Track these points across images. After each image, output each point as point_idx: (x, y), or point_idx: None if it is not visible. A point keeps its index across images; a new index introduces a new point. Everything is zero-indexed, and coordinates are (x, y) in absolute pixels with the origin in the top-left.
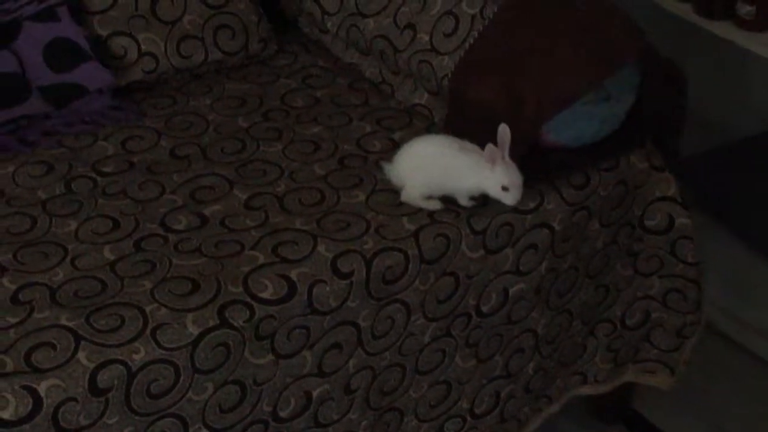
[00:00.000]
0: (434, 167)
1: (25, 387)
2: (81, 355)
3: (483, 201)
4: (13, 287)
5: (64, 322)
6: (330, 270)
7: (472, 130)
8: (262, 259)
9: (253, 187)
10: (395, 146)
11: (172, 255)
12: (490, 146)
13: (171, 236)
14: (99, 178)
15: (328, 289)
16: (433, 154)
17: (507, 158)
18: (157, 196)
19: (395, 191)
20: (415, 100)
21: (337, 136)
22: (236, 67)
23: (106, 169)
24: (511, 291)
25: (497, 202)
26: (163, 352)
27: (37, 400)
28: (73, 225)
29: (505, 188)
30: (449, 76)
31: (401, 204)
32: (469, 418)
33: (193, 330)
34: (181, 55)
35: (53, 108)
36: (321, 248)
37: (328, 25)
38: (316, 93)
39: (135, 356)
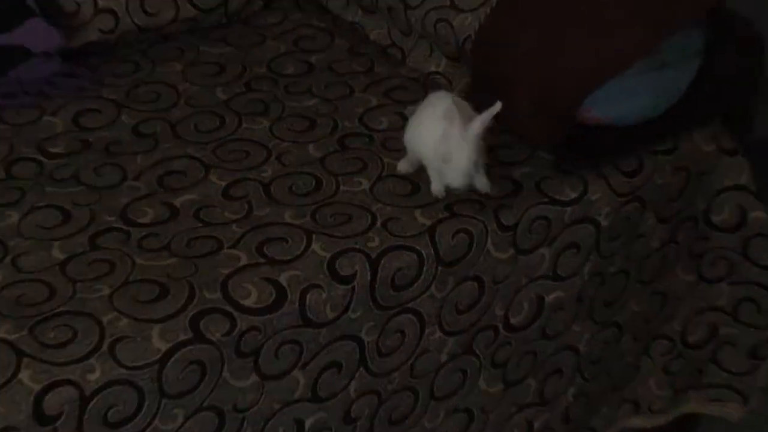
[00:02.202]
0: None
1: None
2: (24, 375)
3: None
4: None
5: (3, 335)
6: (327, 273)
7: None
8: (244, 260)
9: (233, 173)
10: (404, 120)
11: (135, 253)
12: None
13: (134, 231)
14: (46, 161)
15: (324, 295)
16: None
17: (470, 132)
18: (117, 182)
19: (406, 178)
20: (431, 67)
21: (336, 110)
22: (213, 26)
23: (55, 150)
24: (547, 300)
25: (529, 192)
26: (124, 371)
27: None
28: (15, 217)
29: (446, 160)
30: (472, 38)
31: (414, 193)
32: None
33: (161, 345)
34: (145, 11)
35: None
36: (316, 246)
37: None
38: (310, 58)
39: (89, 376)
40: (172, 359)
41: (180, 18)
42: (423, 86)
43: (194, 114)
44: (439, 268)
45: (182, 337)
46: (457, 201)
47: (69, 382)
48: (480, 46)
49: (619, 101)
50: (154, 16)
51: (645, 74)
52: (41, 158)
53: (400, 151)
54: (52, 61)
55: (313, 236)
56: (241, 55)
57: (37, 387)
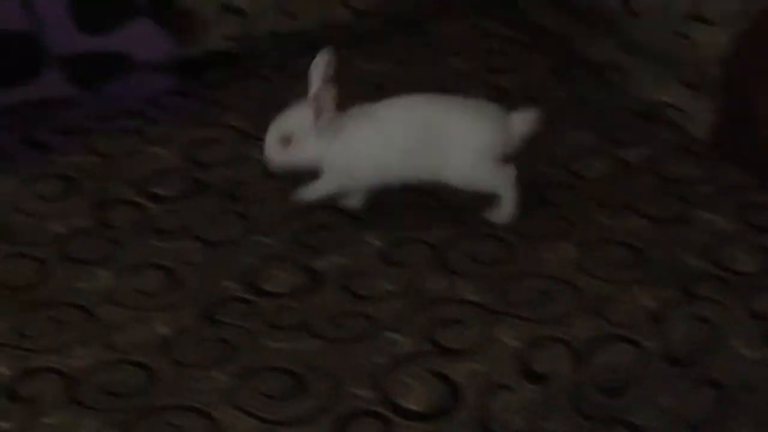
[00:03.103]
0: None
1: None
2: None
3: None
4: (9, 374)
5: None
6: (516, 368)
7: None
8: (407, 346)
9: (392, 230)
10: (625, 168)
11: (263, 332)
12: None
13: (261, 302)
14: (148, 205)
15: (512, 398)
16: None
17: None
18: (240, 236)
19: (622, 243)
20: (661, 97)
21: (532, 149)
22: (372, 34)
23: (161, 191)
24: None
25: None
26: None
27: None
28: (106, 278)
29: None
30: (722, 59)
31: (635, 264)
32: None
33: None
34: (284, 13)
35: (79, 89)
36: (501, 332)
37: None
38: (500, 79)
39: None
40: None
41: (327, 22)
42: (648, 121)
43: None
44: (667, 366)
45: None
46: (693, 278)
47: None
48: (735, 71)
49: None
50: (294, 18)
51: None
52: (142, 201)
53: (615, 207)
54: (161, 75)
55: (499, 318)
56: (409, 73)
57: None
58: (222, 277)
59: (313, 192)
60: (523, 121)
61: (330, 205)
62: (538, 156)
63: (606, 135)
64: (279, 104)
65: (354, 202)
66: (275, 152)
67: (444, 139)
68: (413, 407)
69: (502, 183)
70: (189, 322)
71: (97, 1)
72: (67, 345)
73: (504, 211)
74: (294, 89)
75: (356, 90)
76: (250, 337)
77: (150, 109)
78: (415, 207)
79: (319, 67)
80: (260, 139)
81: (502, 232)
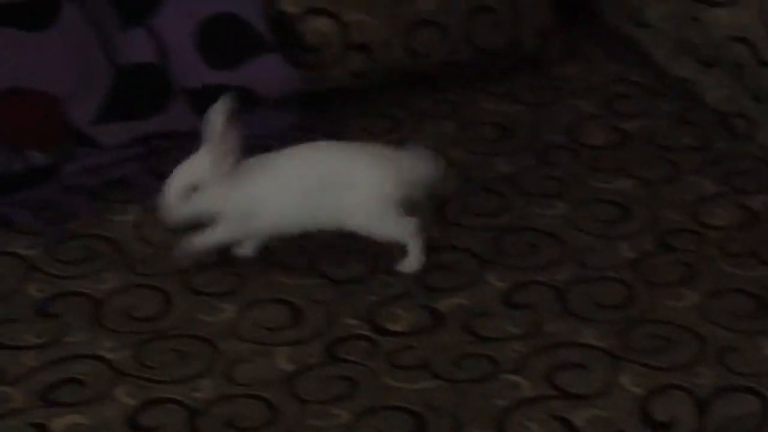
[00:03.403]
0: None
1: None
2: None
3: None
4: (133, 404)
5: None
6: (637, 415)
7: None
8: (527, 389)
9: (517, 272)
10: (751, 216)
11: (384, 371)
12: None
13: (383, 341)
14: (273, 242)
15: None
16: None
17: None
18: (363, 275)
19: (746, 292)
20: None
21: (657, 197)
22: (496, 74)
23: None
24: None
25: None
26: None
27: None
28: (230, 311)
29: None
30: None
31: (761, 312)
32: None
33: None
34: (408, 50)
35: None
36: (625, 379)
37: (650, 14)
38: (624, 125)
39: None
40: None
41: (455, 60)
42: None
43: (466, 190)
44: None
45: None
46: None
47: None
48: None
49: None
50: (422, 57)
51: None
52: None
53: (740, 255)
54: (285, 110)
55: (623, 365)
56: (533, 115)
57: None
58: (345, 315)
59: (205, 241)
60: (426, 168)
61: (453, 244)
62: (661, 202)
63: (730, 182)
64: (402, 142)
65: (246, 251)
66: (178, 203)
67: (344, 187)
68: None
69: (405, 231)
70: (311, 358)
71: (224, 35)
72: (190, 377)
73: (411, 261)
74: (417, 127)
75: (477, 129)
76: (372, 376)
77: (273, 143)
78: (537, 249)
79: (219, 114)
80: None
81: (625, 276)
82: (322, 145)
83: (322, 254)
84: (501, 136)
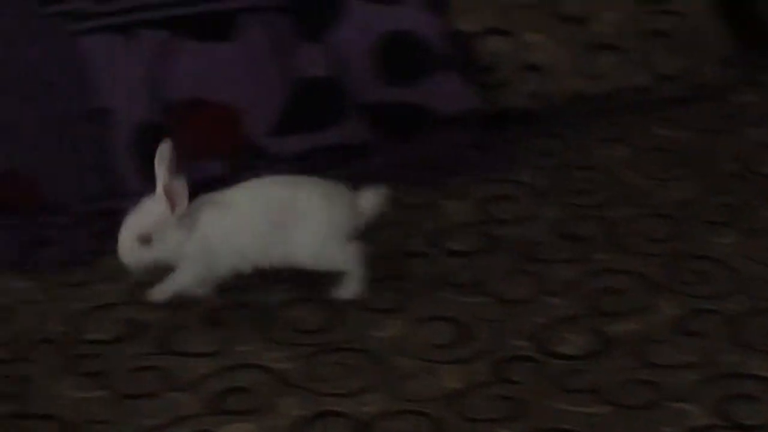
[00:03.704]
0: None
1: None
2: None
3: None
4: (302, 414)
5: None
6: None
7: None
8: (698, 418)
9: (690, 300)
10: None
11: (552, 393)
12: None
13: (551, 363)
14: (441, 257)
15: None
16: None
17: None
18: (533, 296)
19: None
20: None
21: None
22: (673, 101)
23: (453, 245)
24: None
25: None
26: None
27: None
28: (397, 327)
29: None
30: None
31: None
32: None
33: None
34: (589, 73)
35: (379, 138)
36: None
37: None
38: None
39: None
40: None
41: (632, 86)
42: None
43: (640, 216)
44: None
45: None
46: None
47: None
48: None
49: None
50: (600, 79)
51: None
52: (434, 252)
53: None
54: (461, 128)
55: None
56: (706, 142)
57: None
58: (513, 335)
59: (169, 287)
60: (371, 200)
61: (625, 269)
62: None
63: None
64: (577, 165)
65: (206, 291)
66: (133, 252)
67: (291, 219)
68: None
69: (350, 261)
70: (478, 376)
71: (402, 52)
72: (357, 390)
73: (350, 287)
74: (593, 151)
75: (650, 155)
76: (539, 397)
77: (448, 161)
78: (709, 277)
79: (164, 159)
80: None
81: None
82: (270, 179)
83: (487, 273)
84: (673, 163)
